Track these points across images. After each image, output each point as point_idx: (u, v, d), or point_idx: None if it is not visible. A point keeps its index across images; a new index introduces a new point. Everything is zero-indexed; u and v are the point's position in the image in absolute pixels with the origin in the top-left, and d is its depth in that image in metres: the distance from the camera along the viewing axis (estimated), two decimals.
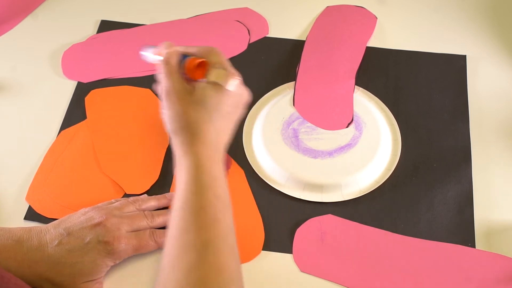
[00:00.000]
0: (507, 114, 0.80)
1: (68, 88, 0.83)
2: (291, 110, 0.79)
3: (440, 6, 0.93)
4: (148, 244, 0.65)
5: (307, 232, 0.69)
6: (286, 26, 0.90)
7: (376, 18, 0.90)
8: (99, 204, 0.67)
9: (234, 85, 0.62)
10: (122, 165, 0.75)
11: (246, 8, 0.92)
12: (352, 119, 0.78)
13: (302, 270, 0.67)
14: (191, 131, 0.60)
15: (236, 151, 0.76)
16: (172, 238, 0.56)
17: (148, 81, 0.83)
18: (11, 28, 0.90)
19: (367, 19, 0.90)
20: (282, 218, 0.71)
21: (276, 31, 0.89)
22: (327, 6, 0.92)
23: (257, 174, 0.74)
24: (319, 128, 0.77)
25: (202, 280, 0.52)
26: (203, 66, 0.64)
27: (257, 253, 0.68)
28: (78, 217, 0.64)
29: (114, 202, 0.68)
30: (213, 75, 0.62)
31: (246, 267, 0.67)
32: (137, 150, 0.76)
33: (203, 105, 0.61)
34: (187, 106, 0.61)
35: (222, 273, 0.53)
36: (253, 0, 0.92)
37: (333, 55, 0.85)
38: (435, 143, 0.77)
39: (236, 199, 0.63)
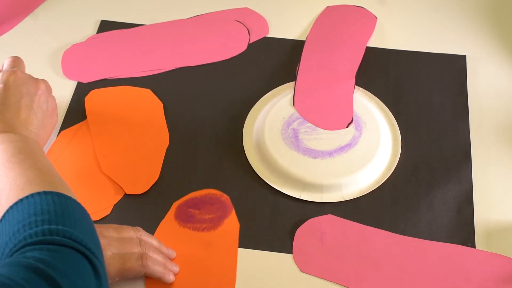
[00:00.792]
0: (507, 114, 0.80)
1: (68, 88, 0.83)
2: (291, 110, 0.79)
3: (440, 6, 0.93)
4: (133, 267, 0.63)
5: (307, 232, 0.69)
6: (286, 26, 0.90)
7: (376, 18, 0.90)
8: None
9: None
10: (122, 165, 0.75)
11: (246, 8, 0.92)
12: (352, 119, 0.78)
13: (302, 270, 0.67)
14: None
15: (236, 151, 0.76)
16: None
17: (148, 81, 0.83)
18: (11, 28, 0.90)
19: (367, 19, 0.90)
20: (282, 218, 0.71)
21: (276, 31, 0.89)
22: (327, 6, 0.92)
23: (257, 174, 0.74)
24: (319, 128, 0.77)
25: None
26: None
27: None
28: None
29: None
30: None
31: (246, 267, 0.67)
32: (137, 150, 0.76)
33: None
34: None
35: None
36: (253, 0, 0.92)
37: (333, 55, 0.85)
38: (435, 143, 0.77)
39: (220, 250, 0.67)
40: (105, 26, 0.90)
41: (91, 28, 0.90)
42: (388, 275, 0.66)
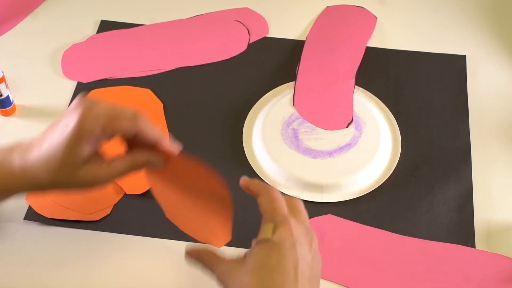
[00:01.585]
0: (507, 114, 0.80)
1: (68, 88, 0.83)
2: (291, 110, 0.79)
3: (440, 6, 0.93)
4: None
5: None
6: (286, 26, 0.90)
7: (376, 18, 0.90)
8: None
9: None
10: None
11: (246, 8, 0.92)
12: (352, 119, 0.78)
13: None
14: None
15: (236, 151, 0.76)
16: None
17: (148, 81, 0.83)
18: (11, 28, 0.90)
19: (367, 19, 0.90)
20: None
21: (276, 31, 0.89)
22: (327, 6, 0.92)
23: (257, 174, 0.74)
24: (319, 128, 0.77)
25: None
26: None
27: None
28: None
29: None
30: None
31: None
32: None
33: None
34: None
35: None
36: (253, 0, 0.92)
37: (333, 55, 0.85)
38: (435, 143, 0.77)
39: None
40: (105, 26, 0.90)
41: (91, 28, 0.90)
42: (388, 275, 0.66)
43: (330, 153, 0.75)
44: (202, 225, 0.63)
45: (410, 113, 0.80)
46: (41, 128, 0.58)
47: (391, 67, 0.85)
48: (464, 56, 0.86)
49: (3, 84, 0.76)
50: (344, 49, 0.85)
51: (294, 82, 0.82)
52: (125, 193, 0.72)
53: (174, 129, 0.78)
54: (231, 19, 0.90)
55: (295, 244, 0.55)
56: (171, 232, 0.70)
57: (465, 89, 0.82)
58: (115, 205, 0.72)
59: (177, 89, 0.83)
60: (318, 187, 0.73)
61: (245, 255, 0.56)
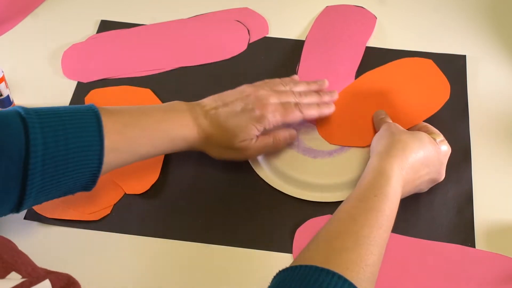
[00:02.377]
0: (507, 114, 0.80)
1: (68, 88, 0.83)
2: None
3: (440, 6, 0.93)
4: (294, 112, 0.71)
5: (307, 232, 0.69)
6: (286, 26, 0.90)
7: (376, 18, 0.90)
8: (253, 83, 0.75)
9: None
10: None
11: (246, 8, 0.92)
12: None
13: None
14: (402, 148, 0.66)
15: None
16: (339, 220, 0.61)
17: (148, 81, 0.83)
18: (11, 28, 0.90)
19: (367, 19, 0.90)
20: (282, 218, 0.71)
21: (276, 31, 0.89)
22: (327, 6, 0.92)
23: (257, 174, 0.74)
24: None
25: (342, 265, 0.55)
26: None
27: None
28: (232, 92, 0.73)
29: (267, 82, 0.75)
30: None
31: (246, 267, 0.67)
32: None
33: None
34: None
35: (358, 268, 0.55)
36: (253, 0, 0.92)
37: (332, 55, 0.85)
38: None
39: None
40: (105, 26, 0.90)
41: (91, 28, 0.90)
42: (387, 275, 0.66)
43: (330, 153, 0.75)
44: None
45: None
46: None
47: None
48: (464, 56, 0.86)
49: (3, 84, 0.76)
50: (343, 49, 0.85)
51: None
52: (125, 193, 0.72)
53: None
54: (231, 19, 0.90)
55: (443, 162, 0.70)
56: (171, 232, 0.70)
57: (465, 89, 0.82)
58: (115, 205, 0.72)
59: (177, 89, 0.83)
60: (318, 187, 0.72)
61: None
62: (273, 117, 0.70)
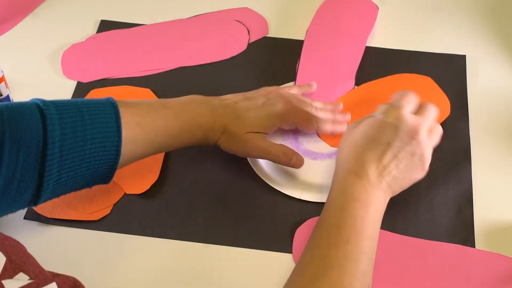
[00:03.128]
0: (507, 114, 0.80)
1: (68, 88, 0.83)
2: None
3: (440, 6, 0.93)
4: (311, 122, 0.73)
5: (307, 232, 0.69)
6: (286, 26, 0.90)
7: (378, 8, 0.89)
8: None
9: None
10: None
11: (246, 8, 0.92)
12: None
13: None
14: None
15: None
16: (307, 249, 0.62)
17: (148, 81, 0.83)
18: (11, 28, 0.90)
19: (369, 9, 0.89)
20: (282, 218, 0.71)
21: (276, 31, 0.89)
22: None
23: (257, 174, 0.74)
24: None
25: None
26: None
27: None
28: (255, 91, 0.74)
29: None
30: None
31: (246, 267, 0.67)
32: None
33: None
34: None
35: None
36: (253, 0, 0.92)
37: (333, 50, 0.85)
38: None
39: None
40: (105, 26, 0.90)
41: (91, 28, 0.90)
42: (388, 275, 0.66)
43: (329, 155, 0.75)
44: None
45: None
46: None
47: (391, 67, 0.85)
48: (464, 56, 0.86)
49: (3, 84, 0.76)
50: (345, 42, 0.85)
51: (294, 82, 0.82)
52: (125, 193, 0.72)
53: None
54: (231, 19, 0.90)
55: (398, 127, 0.65)
56: (171, 232, 0.70)
57: (465, 89, 0.82)
58: (115, 205, 0.72)
59: (177, 89, 0.82)
60: (318, 188, 0.72)
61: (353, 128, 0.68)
62: (292, 117, 0.71)
